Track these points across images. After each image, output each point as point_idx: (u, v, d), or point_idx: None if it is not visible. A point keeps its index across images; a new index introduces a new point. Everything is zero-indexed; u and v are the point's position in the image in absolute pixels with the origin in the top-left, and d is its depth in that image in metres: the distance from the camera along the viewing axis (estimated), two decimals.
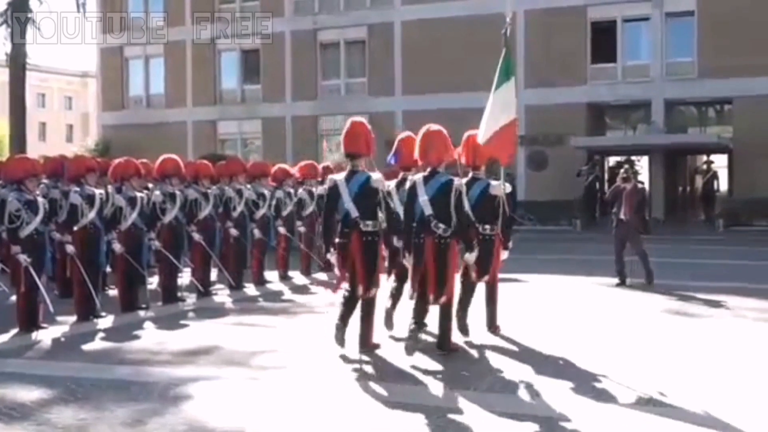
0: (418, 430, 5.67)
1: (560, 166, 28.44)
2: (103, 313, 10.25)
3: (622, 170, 13.99)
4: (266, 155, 29.06)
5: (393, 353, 7.85)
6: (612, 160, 32.28)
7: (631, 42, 29.76)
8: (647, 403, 6.25)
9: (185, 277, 12.07)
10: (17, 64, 29.65)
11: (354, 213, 7.65)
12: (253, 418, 5.92)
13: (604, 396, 6.45)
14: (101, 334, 9.37)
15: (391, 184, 8.53)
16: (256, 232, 12.97)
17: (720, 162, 29.85)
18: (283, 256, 13.93)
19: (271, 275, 13.66)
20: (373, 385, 6.83)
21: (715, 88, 27.58)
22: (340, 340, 7.78)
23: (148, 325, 9.97)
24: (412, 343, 7.67)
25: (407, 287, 8.09)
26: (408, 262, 7.76)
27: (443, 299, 7.68)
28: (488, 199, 8.39)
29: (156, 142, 29.06)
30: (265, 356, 7.99)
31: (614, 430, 5.69)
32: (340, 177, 7.91)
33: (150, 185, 12.24)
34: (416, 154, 7.98)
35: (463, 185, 7.92)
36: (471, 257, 7.93)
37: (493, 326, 8.91)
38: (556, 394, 6.48)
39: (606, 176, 31.77)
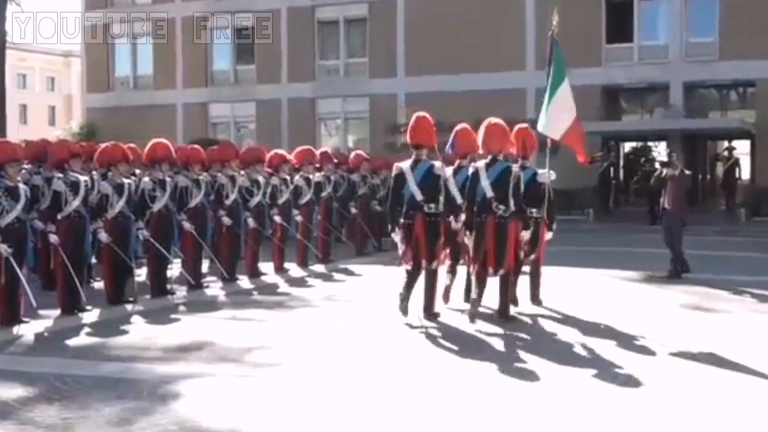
0: (416, 424, 5.69)
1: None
2: (89, 307, 10.24)
3: (664, 155, 13.67)
4: (261, 140, 29.04)
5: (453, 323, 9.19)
6: (628, 146, 32.20)
7: (649, 21, 29.62)
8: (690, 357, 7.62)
9: (175, 269, 12.08)
10: None
11: (419, 196, 9.16)
12: (248, 417, 5.94)
13: (647, 351, 7.91)
14: (86, 329, 9.39)
15: (449, 171, 9.82)
16: (251, 222, 12.96)
17: (742, 148, 29.77)
18: (279, 246, 13.94)
19: (266, 267, 13.66)
20: (374, 375, 6.86)
21: (737, 70, 27.43)
22: (404, 309, 9.20)
23: (136, 319, 10.00)
24: (475, 311, 9.09)
25: (460, 267, 9.97)
26: (468, 239, 9.18)
27: (502, 271, 9.08)
28: (535, 186, 9.85)
29: (144, 125, 29.03)
30: (259, 352, 8.02)
31: (666, 379, 6.89)
32: (405, 165, 9.38)
33: (137, 171, 12.24)
34: (479, 143, 9.49)
35: (520, 172, 9.35)
36: (526, 234, 9.37)
37: (536, 299, 10.31)
38: (604, 351, 7.84)
39: (621, 163, 31.71)
